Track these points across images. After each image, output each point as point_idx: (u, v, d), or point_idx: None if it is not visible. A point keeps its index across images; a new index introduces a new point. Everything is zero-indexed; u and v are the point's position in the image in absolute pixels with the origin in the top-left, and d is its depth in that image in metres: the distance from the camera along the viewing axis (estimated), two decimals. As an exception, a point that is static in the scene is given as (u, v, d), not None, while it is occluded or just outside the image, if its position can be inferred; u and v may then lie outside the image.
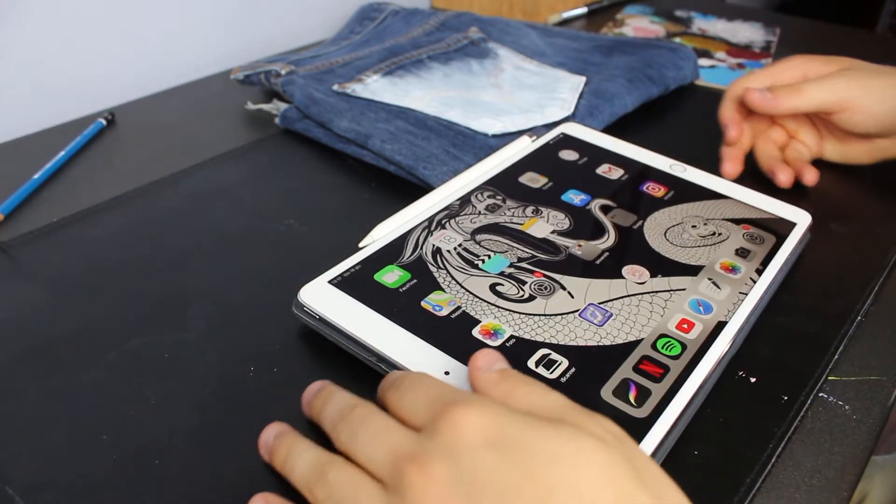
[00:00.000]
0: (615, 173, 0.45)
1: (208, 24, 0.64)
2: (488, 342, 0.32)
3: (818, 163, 0.50)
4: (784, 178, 0.46)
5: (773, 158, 0.48)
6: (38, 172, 0.47)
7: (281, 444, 0.27)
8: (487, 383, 0.26)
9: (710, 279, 0.36)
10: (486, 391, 0.26)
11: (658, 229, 0.40)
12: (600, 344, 0.32)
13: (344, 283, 0.34)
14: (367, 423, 0.25)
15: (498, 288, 0.35)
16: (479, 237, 0.38)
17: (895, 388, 0.33)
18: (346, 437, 0.25)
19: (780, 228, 0.40)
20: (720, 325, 0.33)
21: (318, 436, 0.28)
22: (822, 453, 0.30)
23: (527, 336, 0.32)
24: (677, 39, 0.73)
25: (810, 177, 0.46)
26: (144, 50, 0.60)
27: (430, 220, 0.39)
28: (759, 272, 0.37)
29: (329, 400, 0.28)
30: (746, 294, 0.35)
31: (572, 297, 0.35)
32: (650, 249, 0.38)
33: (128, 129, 0.55)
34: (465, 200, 0.41)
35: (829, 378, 0.34)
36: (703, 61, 0.67)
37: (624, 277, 0.36)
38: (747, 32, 0.76)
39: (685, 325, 0.33)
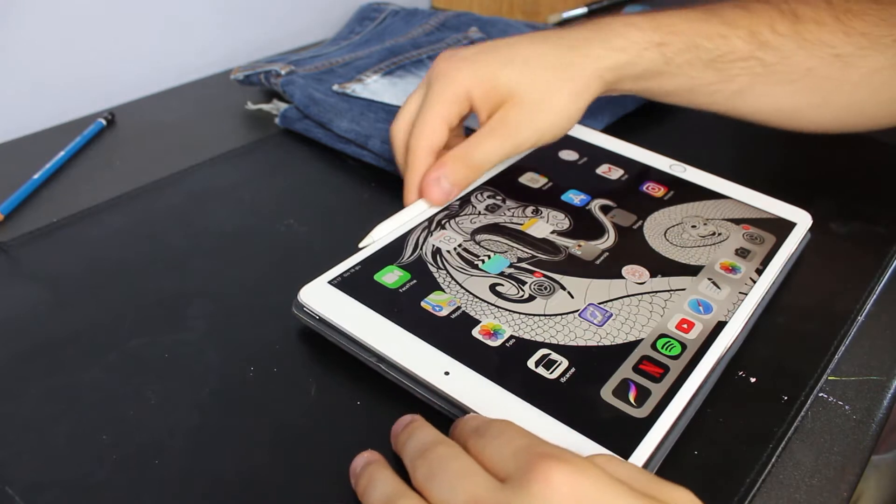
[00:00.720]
0: (615, 173, 0.45)
1: (208, 24, 0.64)
2: (488, 342, 0.32)
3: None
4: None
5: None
6: (38, 172, 0.47)
7: (364, 472, 0.26)
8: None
9: (709, 279, 0.36)
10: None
11: (658, 229, 0.40)
12: (600, 344, 0.32)
13: (344, 284, 0.34)
14: (448, 465, 0.24)
15: (498, 288, 0.35)
16: (478, 237, 0.38)
17: (895, 388, 0.33)
18: (424, 475, 0.24)
19: (780, 228, 0.40)
20: (720, 325, 0.33)
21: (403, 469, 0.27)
22: (821, 453, 0.30)
23: (527, 336, 0.32)
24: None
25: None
26: (144, 50, 0.60)
27: (430, 220, 0.39)
28: (759, 272, 0.37)
29: (413, 434, 0.26)
30: (746, 294, 0.35)
31: (572, 297, 0.34)
32: (650, 249, 0.38)
33: (128, 129, 0.55)
34: (464, 200, 0.41)
35: (829, 378, 0.34)
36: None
37: (624, 277, 0.36)
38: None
39: (685, 325, 0.33)
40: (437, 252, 0.37)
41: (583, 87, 0.40)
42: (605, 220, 0.40)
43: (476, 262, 0.36)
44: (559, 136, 0.41)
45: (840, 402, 0.32)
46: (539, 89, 0.39)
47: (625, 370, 0.31)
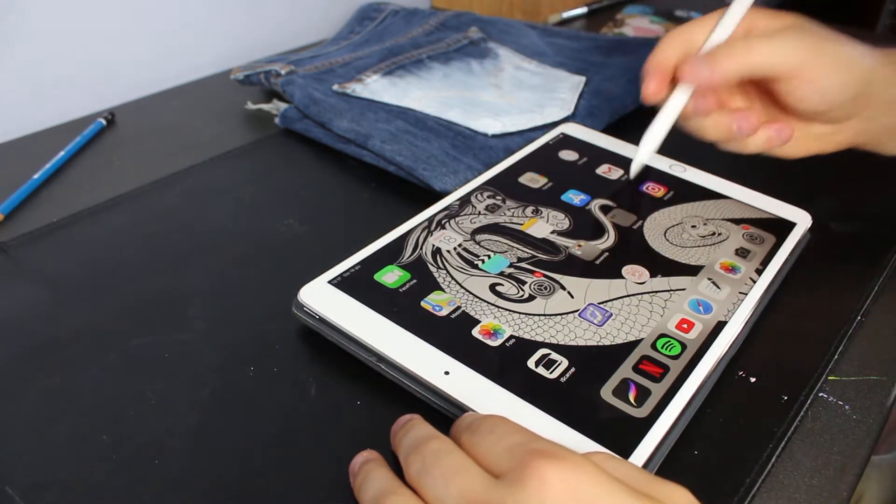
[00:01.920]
0: (615, 173, 0.45)
1: (208, 24, 0.64)
2: (488, 342, 0.32)
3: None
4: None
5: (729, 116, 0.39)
6: (38, 172, 0.47)
7: (361, 470, 0.26)
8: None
9: (709, 279, 0.36)
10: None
11: (658, 229, 0.40)
12: (600, 344, 0.32)
13: (344, 283, 0.34)
14: (441, 460, 0.24)
15: (498, 288, 0.35)
16: (478, 237, 0.38)
17: (895, 388, 0.33)
18: (417, 470, 0.24)
19: (780, 228, 0.40)
20: (720, 325, 0.33)
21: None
22: (822, 453, 0.30)
23: (527, 336, 0.32)
24: (677, 39, 0.73)
25: (786, 132, 0.38)
26: (144, 50, 0.60)
27: (430, 220, 0.39)
28: (759, 272, 0.37)
29: (409, 431, 0.26)
30: (746, 294, 0.35)
31: (572, 297, 0.35)
32: (650, 249, 0.38)
33: (128, 129, 0.55)
34: (464, 200, 0.41)
35: (829, 378, 0.34)
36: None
37: (624, 277, 0.36)
38: (747, 32, 0.76)
39: (685, 325, 0.33)
40: (437, 252, 0.37)
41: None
42: (605, 220, 0.40)
43: (476, 262, 0.36)
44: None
45: (840, 402, 0.32)
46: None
47: (625, 370, 0.31)
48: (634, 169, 0.41)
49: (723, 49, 0.36)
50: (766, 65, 0.36)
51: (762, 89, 0.39)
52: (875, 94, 0.37)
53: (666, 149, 0.46)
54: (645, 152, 0.40)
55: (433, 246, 0.37)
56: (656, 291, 0.35)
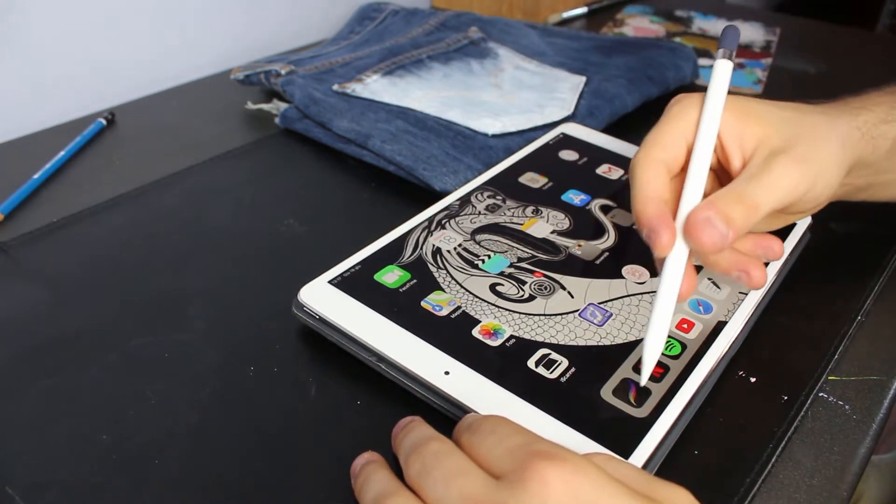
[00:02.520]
0: (615, 173, 0.45)
1: (208, 24, 0.64)
2: (488, 342, 0.32)
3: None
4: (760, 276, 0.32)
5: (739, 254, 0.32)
6: (38, 172, 0.47)
7: (362, 471, 0.26)
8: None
9: (709, 279, 0.36)
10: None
11: (658, 229, 0.40)
12: (600, 344, 0.32)
13: (344, 283, 0.34)
14: (441, 461, 0.23)
15: (498, 288, 0.35)
16: (478, 237, 0.38)
17: (895, 388, 0.33)
18: (416, 471, 0.24)
19: (779, 228, 0.40)
20: (720, 325, 0.33)
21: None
22: (822, 453, 0.30)
23: (527, 336, 0.32)
24: (677, 39, 0.73)
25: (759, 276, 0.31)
26: (144, 50, 0.60)
27: (430, 220, 0.39)
28: (759, 272, 0.36)
29: (409, 432, 0.26)
30: (746, 294, 0.35)
31: (572, 297, 0.34)
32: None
33: (128, 129, 0.55)
34: (464, 200, 0.41)
35: (829, 378, 0.34)
36: (703, 61, 0.67)
37: (624, 277, 0.36)
38: (747, 32, 0.76)
39: (685, 325, 0.33)
40: (437, 252, 0.37)
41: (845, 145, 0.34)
42: (605, 220, 0.40)
43: (476, 262, 0.36)
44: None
45: (840, 402, 0.32)
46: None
47: (625, 370, 0.31)
48: (645, 377, 0.29)
49: (735, 209, 0.29)
50: (773, 207, 0.31)
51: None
52: (855, 171, 0.35)
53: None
54: (656, 351, 0.29)
55: (433, 246, 0.37)
56: (657, 291, 0.35)
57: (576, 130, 0.49)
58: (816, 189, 0.32)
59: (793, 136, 0.32)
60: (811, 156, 0.32)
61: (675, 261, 0.30)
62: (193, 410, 0.31)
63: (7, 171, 0.48)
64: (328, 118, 0.50)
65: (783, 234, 0.39)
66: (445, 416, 0.30)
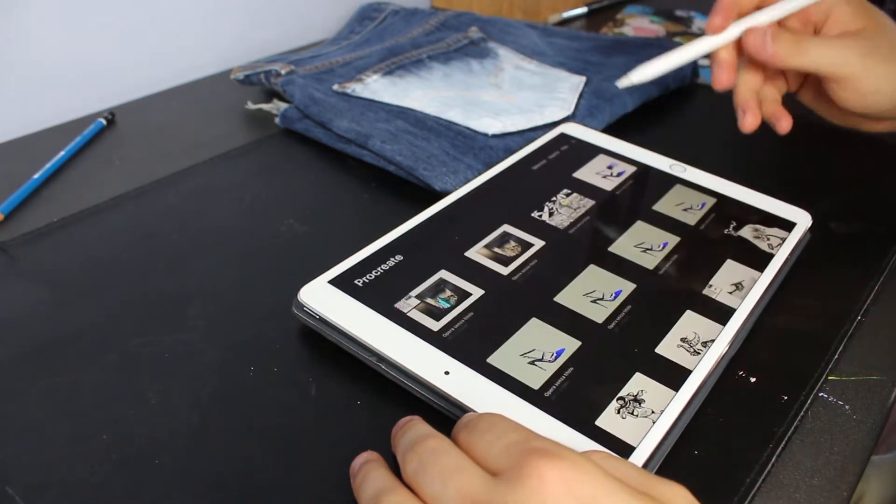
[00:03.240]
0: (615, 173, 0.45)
1: (208, 24, 0.64)
2: (488, 342, 0.32)
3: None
4: (751, 121, 0.42)
5: (752, 93, 0.43)
6: (38, 172, 0.47)
7: (360, 470, 0.26)
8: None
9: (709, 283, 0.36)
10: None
11: (658, 229, 0.40)
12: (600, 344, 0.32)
13: (344, 284, 0.34)
14: (438, 459, 0.23)
15: (498, 288, 0.35)
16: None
17: (895, 388, 0.33)
18: (413, 468, 0.24)
19: (780, 228, 0.40)
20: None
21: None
22: (822, 453, 0.30)
23: (527, 336, 0.32)
24: (677, 39, 0.73)
25: (785, 124, 0.42)
26: (144, 50, 0.60)
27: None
28: (760, 272, 0.37)
29: (407, 430, 0.26)
30: (747, 294, 0.35)
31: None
32: (650, 249, 0.38)
33: (128, 129, 0.55)
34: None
35: (829, 378, 0.34)
36: (703, 61, 0.67)
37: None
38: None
39: (685, 325, 0.33)
40: (437, 252, 0.37)
41: None
42: (606, 220, 0.40)
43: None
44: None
45: (840, 402, 0.32)
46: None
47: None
48: (636, 77, 0.39)
49: (783, 40, 0.39)
50: (815, 67, 0.40)
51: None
52: None
53: (666, 149, 0.46)
54: (662, 64, 0.38)
55: (433, 246, 0.37)
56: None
57: (576, 130, 0.49)
58: (863, 83, 0.39)
59: (873, 33, 0.40)
60: (878, 54, 0.39)
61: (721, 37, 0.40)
62: (193, 410, 0.31)
63: (7, 171, 0.48)
64: (328, 118, 0.50)
65: (783, 234, 0.39)
66: (445, 416, 0.30)
